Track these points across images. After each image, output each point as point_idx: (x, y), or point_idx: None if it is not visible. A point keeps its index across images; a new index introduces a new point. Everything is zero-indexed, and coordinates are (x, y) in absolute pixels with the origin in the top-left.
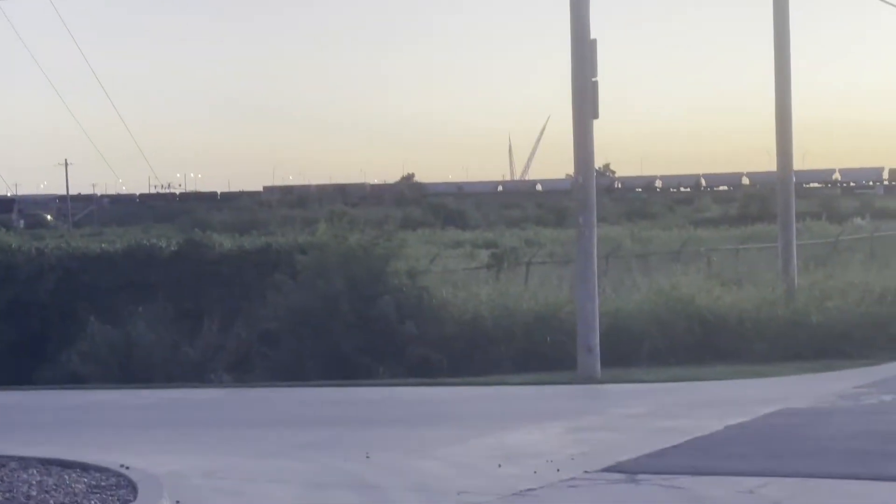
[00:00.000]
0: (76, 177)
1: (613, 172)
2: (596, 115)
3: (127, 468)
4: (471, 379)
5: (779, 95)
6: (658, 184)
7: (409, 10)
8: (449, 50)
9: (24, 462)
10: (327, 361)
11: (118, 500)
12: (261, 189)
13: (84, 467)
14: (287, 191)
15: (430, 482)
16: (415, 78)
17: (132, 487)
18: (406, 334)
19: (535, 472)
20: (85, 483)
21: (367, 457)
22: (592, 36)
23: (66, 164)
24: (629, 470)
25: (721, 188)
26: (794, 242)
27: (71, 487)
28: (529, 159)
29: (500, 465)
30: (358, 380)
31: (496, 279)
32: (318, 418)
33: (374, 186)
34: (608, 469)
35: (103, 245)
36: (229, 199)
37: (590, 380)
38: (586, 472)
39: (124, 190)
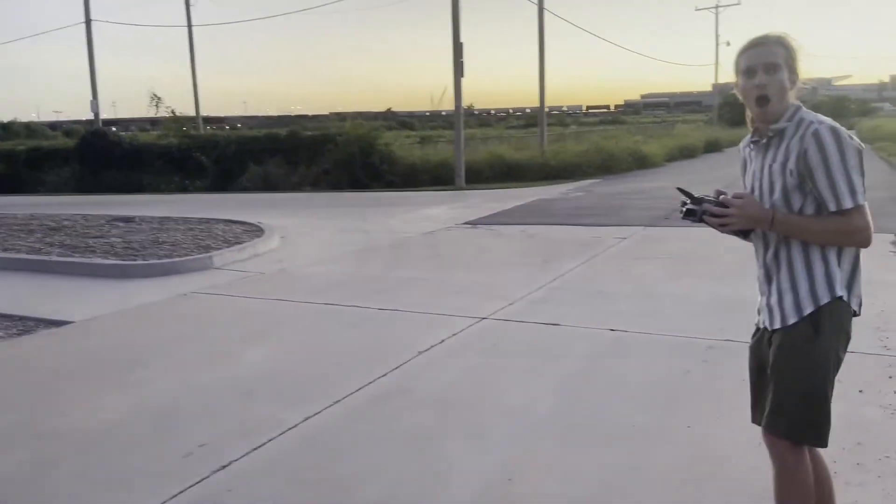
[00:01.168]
0: None
1: (472, 105)
2: (463, 75)
3: (259, 223)
4: (411, 189)
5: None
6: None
7: None
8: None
9: (216, 221)
10: (351, 181)
11: (256, 234)
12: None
13: (241, 223)
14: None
15: (391, 228)
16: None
17: (261, 230)
18: (383, 170)
19: (434, 224)
20: (241, 228)
21: (365, 220)
22: (461, 40)
23: None
24: (473, 223)
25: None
26: (545, 133)
27: (234, 230)
28: (440, 100)
29: (420, 222)
30: (362, 189)
31: (423, 147)
32: (346, 204)
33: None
34: (465, 223)
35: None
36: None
37: (460, 188)
38: (456, 224)
39: None
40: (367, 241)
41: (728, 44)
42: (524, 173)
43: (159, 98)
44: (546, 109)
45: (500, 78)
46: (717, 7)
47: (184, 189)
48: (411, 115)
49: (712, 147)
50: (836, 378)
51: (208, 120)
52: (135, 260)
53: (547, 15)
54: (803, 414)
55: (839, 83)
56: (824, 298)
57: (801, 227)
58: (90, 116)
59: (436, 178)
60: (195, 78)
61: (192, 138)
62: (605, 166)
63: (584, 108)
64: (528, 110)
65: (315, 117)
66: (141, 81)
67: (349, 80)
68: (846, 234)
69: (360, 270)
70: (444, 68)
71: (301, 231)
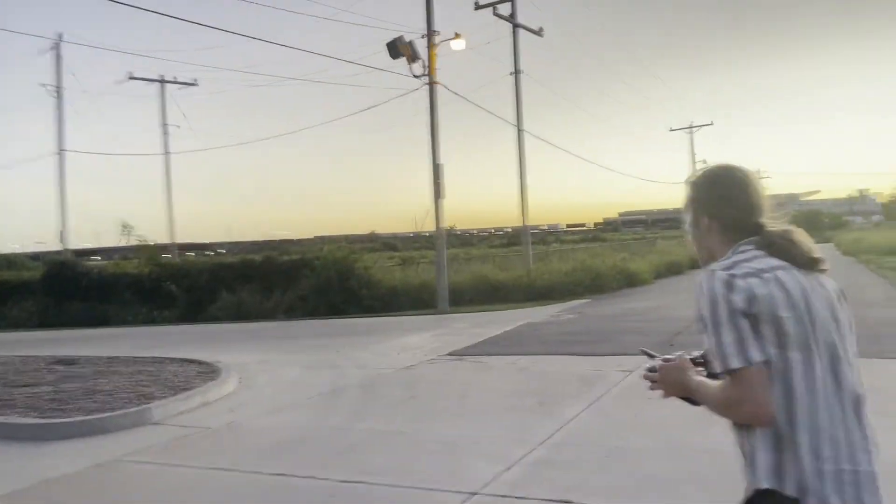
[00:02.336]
0: None
1: (454, 226)
2: (443, 197)
3: (217, 362)
4: (391, 314)
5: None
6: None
7: None
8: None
9: (170, 360)
10: (329, 307)
11: (211, 376)
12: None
13: (197, 362)
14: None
15: (364, 363)
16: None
17: (217, 371)
18: (362, 295)
19: (414, 357)
20: (196, 368)
21: (337, 352)
22: (440, 162)
23: None
24: (458, 354)
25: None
26: (530, 252)
27: (187, 371)
28: (423, 222)
29: (398, 354)
30: (340, 315)
31: (404, 269)
32: (319, 334)
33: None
34: (449, 354)
35: (231, 260)
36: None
37: (443, 312)
38: (438, 355)
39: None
40: (336, 381)
41: (704, 161)
42: (510, 294)
43: (130, 227)
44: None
45: (481, 198)
46: (691, 128)
47: (151, 321)
48: (395, 236)
49: (698, 263)
50: None
51: (192, 246)
52: (57, 416)
53: (526, 135)
54: None
55: (807, 198)
56: (748, 492)
57: (701, 395)
58: (75, 246)
59: (417, 301)
60: (171, 205)
61: (162, 267)
62: (594, 286)
63: (563, 226)
64: (509, 229)
65: (299, 241)
66: (124, 211)
67: (333, 204)
68: (722, 406)
69: (324, 421)
70: (427, 190)
71: (264, 369)
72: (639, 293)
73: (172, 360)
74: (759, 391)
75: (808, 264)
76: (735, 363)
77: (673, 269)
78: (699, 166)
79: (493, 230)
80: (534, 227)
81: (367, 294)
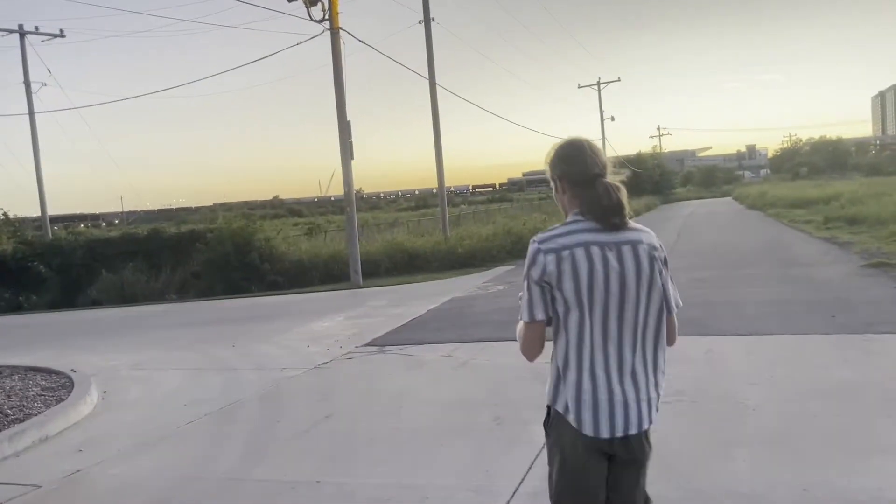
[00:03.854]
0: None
1: (361, 189)
2: (352, 157)
3: (72, 371)
4: (297, 290)
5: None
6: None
7: None
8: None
9: (10, 370)
10: (225, 285)
11: (62, 392)
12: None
13: (48, 372)
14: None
15: (266, 362)
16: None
17: (71, 385)
18: (265, 269)
19: (327, 349)
20: (44, 381)
21: (233, 346)
22: (348, 118)
23: None
24: (380, 343)
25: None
26: (447, 216)
27: (30, 387)
28: (328, 186)
29: (308, 346)
30: (240, 293)
31: (311, 239)
32: (214, 320)
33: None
34: (369, 344)
35: (111, 233)
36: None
37: (357, 286)
38: (356, 346)
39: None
40: (229, 391)
41: (612, 118)
42: (428, 263)
43: None
44: (434, 191)
45: (386, 160)
46: (598, 84)
47: (17, 307)
48: (299, 201)
49: None
50: None
51: (79, 218)
52: None
53: (438, 90)
54: None
55: (702, 154)
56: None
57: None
58: None
59: (327, 274)
60: (39, 172)
61: (28, 244)
62: (515, 250)
63: (470, 187)
64: (416, 192)
65: (198, 209)
66: None
67: (234, 171)
68: (518, 342)
69: (208, 466)
70: (332, 152)
71: (137, 376)
72: None
73: (14, 369)
74: (530, 339)
75: (609, 226)
76: (523, 317)
77: None
78: (607, 122)
79: (399, 193)
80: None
81: (269, 269)
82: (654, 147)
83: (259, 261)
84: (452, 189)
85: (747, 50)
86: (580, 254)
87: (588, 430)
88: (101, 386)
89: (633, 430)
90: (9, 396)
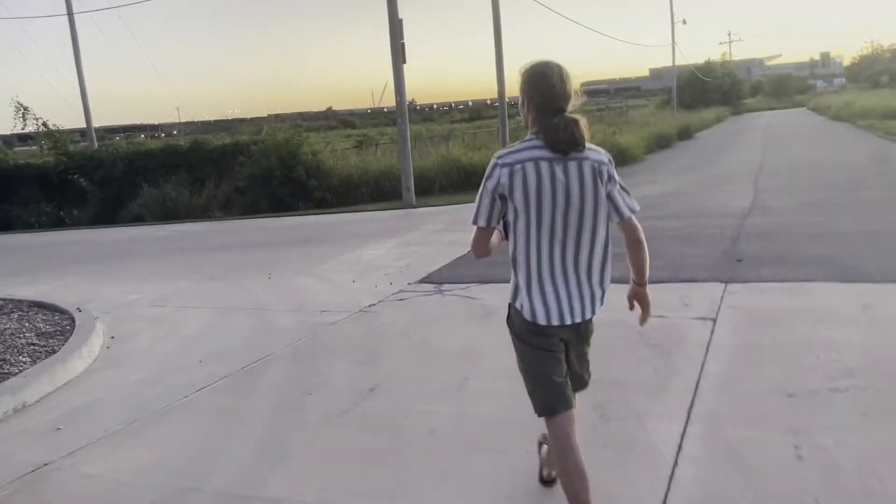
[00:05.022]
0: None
1: (414, 101)
2: (405, 61)
3: (77, 310)
4: (345, 209)
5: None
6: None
7: None
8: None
9: (13, 304)
10: (271, 202)
11: (58, 338)
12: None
13: (51, 308)
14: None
15: (304, 301)
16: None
17: (70, 328)
18: (311, 185)
19: (375, 286)
20: (42, 322)
21: (269, 277)
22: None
23: None
24: (436, 280)
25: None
26: (507, 127)
27: (24, 332)
28: (381, 96)
29: (353, 281)
30: (285, 211)
31: (360, 153)
32: (252, 242)
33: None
34: (423, 280)
35: (151, 145)
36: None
37: (409, 206)
38: (409, 283)
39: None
40: (255, 342)
41: (684, 22)
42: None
43: (25, 108)
44: (489, 101)
45: (438, 71)
46: None
47: (59, 223)
48: (352, 113)
49: (685, 134)
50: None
51: (138, 128)
52: None
53: None
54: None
55: (770, 63)
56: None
57: None
58: None
59: (378, 191)
60: (81, 79)
61: (70, 156)
62: None
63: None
64: (469, 103)
65: (253, 120)
66: (23, 91)
67: (289, 82)
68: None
69: (207, 467)
70: (384, 64)
71: (153, 316)
72: (638, 173)
73: (18, 303)
74: (475, 240)
75: (558, 152)
76: (473, 221)
77: (662, 143)
78: (678, 26)
79: (452, 104)
80: (493, 100)
81: (317, 185)
82: (724, 55)
83: (305, 176)
84: (509, 100)
85: None
86: (530, 167)
87: (540, 320)
88: (110, 329)
89: (577, 319)
90: (3, 340)
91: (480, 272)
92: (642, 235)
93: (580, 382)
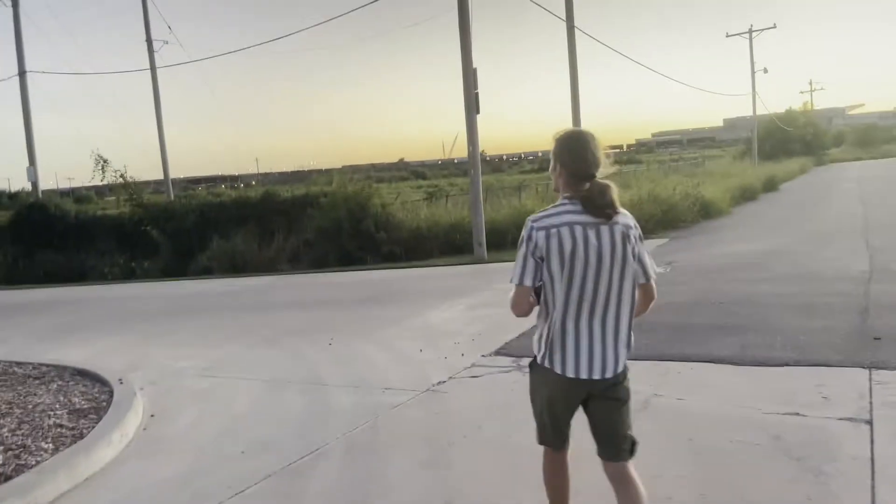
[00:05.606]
0: None
1: (484, 151)
2: (478, 111)
3: (121, 382)
4: (415, 263)
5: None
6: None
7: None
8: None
9: (57, 371)
10: (339, 255)
11: (91, 418)
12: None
13: (94, 377)
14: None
15: (366, 374)
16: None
17: (105, 405)
18: (380, 239)
19: (445, 358)
20: (77, 399)
21: (330, 343)
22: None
23: None
24: (515, 353)
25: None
26: None
27: (56, 409)
28: (452, 147)
29: (421, 350)
30: (354, 265)
31: (430, 205)
32: (316, 300)
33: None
34: (499, 352)
35: (221, 197)
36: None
37: (481, 261)
38: (483, 355)
39: None
40: (306, 429)
41: (765, 70)
42: None
43: (105, 160)
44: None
45: (507, 122)
46: (750, 31)
47: (130, 274)
48: (423, 164)
49: (770, 185)
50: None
51: (219, 179)
52: None
53: (557, 46)
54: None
55: (853, 112)
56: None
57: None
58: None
59: (448, 244)
60: (161, 132)
61: (144, 207)
62: (665, 219)
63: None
64: (539, 154)
65: (328, 171)
66: (109, 144)
67: (363, 134)
68: (510, 303)
69: None
70: (455, 115)
71: (200, 390)
72: (726, 228)
73: (61, 370)
74: (518, 299)
75: (602, 217)
76: (513, 280)
77: (746, 195)
78: (759, 74)
79: (522, 155)
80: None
81: (385, 238)
82: (805, 103)
83: (374, 229)
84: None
85: None
86: (566, 231)
87: (570, 372)
88: (152, 403)
89: (605, 375)
90: (20, 425)
91: None
92: (655, 296)
93: (614, 449)
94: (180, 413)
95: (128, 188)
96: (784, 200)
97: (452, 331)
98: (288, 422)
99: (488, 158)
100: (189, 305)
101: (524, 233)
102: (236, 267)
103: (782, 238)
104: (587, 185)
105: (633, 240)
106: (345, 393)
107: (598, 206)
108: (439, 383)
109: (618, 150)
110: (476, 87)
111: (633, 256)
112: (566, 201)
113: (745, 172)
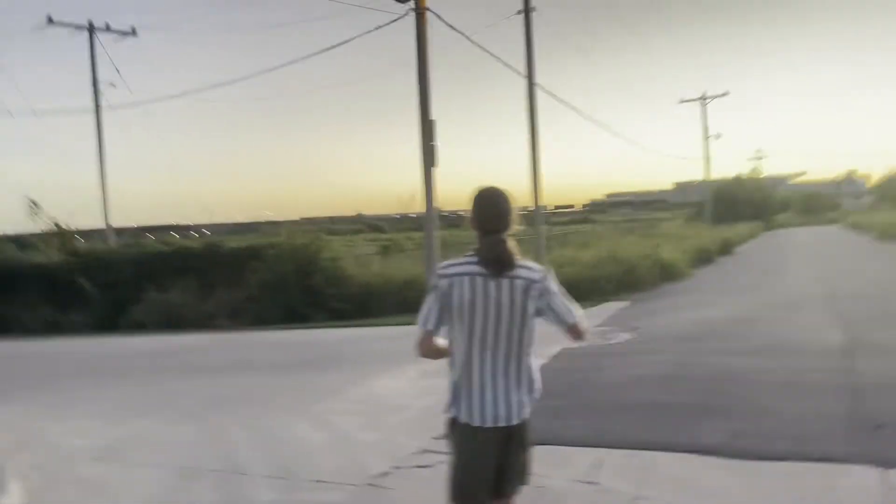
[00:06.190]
0: None
1: (438, 207)
2: (435, 164)
3: None
4: (365, 321)
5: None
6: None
7: None
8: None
9: None
10: (282, 312)
11: None
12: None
13: None
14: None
15: (294, 460)
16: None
17: None
18: (329, 294)
19: (390, 439)
20: None
21: (259, 419)
22: (432, 117)
23: None
24: None
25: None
26: (543, 240)
27: None
28: (411, 201)
29: (361, 428)
30: (298, 322)
31: (384, 259)
32: (251, 363)
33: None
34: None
35: (159, 247)
36: None
37: None
38: (433, 437)
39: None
40: None
41: (718, 136)
42: None
43: (38, 206)
44: (521, 211)
45: (466, 178)
46: (703, 98)
47: (54, 327)
48: (382, 218)
49: (725, 249)
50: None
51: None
52: None
53: (516, 107)
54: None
55: (795, 180)
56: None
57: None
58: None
59: (402, 301)
60: (104, 176)
61: (78, 256)
62: (625, 281)
63: (551, 207)
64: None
65: (284, 224)
66: (53, 191)
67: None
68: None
69: None
70: (413, 169)
71: (90, 478)
72: (688, 291)
73: None
74: (422, 343)
75: (491, 269)
76: (419, 325)
77: (703, 257)
78: (712, 139)
79: None
80: (520, 209)
81: (335, 294)
82: (753, 169)
83: (324, 284)
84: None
85: (847, 67)
86: (466, 281)
87: (475, 421)
88: (30, 495)
89: (510, 422)
90: None
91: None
92: (583, 332)
93: (506, 485)
94: None
95: (62, 235)
96: (740, 264)
97: (399, 405)
98: None
99: (445, 213)
100: (110, 367)
101: (433, 279)
102: (172, 322)
103: (749, 304)
104: (491, 240)
105: (535, 292)
106: (267, 487)
107: (487, 260)
108: (381, 475)
109: (572, 210)
110: (433, 139)
111: (534, 310)
112: (471, 253)
113: (700, 235)
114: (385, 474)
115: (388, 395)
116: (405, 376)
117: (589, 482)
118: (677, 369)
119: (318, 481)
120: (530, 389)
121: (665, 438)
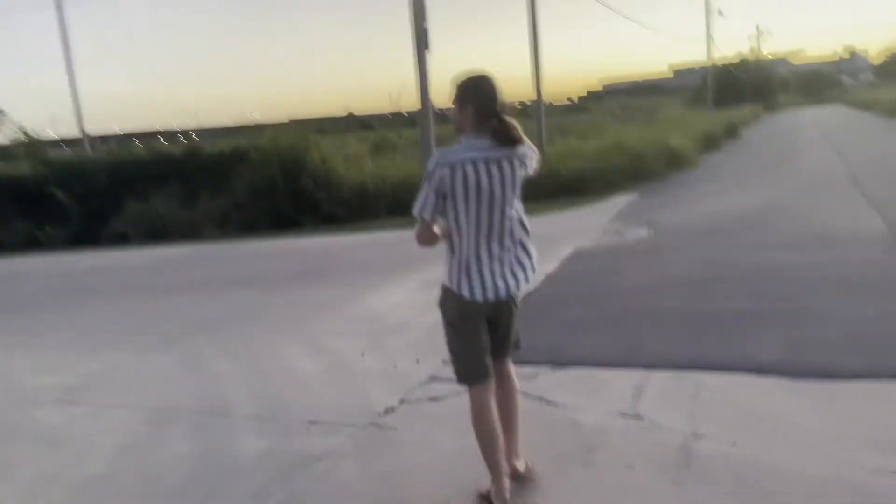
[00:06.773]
0: None
1: (432, 104)
2: (428, 48)
3: None
4: (359, 224)
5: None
6: None
7: None
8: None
9: None
10: (272, 219)
11: None
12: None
13: None
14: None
15: (286, 396)
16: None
17: None
18: (319, 198)
19: (395, 367)
20: None
21: (245, 346)
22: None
23: None
24: None
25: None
26: (544, 131)
27: None
28: (399, 97)
29: (362, 354)
30: (289, 229)
31: (378, 157)
32: (237, 277)
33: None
34: None
35: (137, 153)
36: None
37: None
38: (444, 361)
39: None
40: (188, 498)
41: (720, 13)
42: (524, 189)
43: (2, 112)
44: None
45: (449, 70)
46: None
47: (33, 242)
48: (372, 117)
49: (732, 132)
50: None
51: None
52: None
53: None
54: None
55: (794, 60)
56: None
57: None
58: None
59: (397, 203)
60: (72, 78)
61: (49, 166)
62: (634, 171)
63: (547, 100)
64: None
65: (273, 126)
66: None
67: (309, 85)
68: (415, 234)
69: None
70: (407, 65)
71: (54, 426)
72: (701, 180)
73: None
74: (421, 231)
75: (509, 142)
76: (416, 214)
77: (710, 143)
78: (716, 16)
79: None
80: (522, 101)
81: (325, 197)
82: (753, 49)
83: (313, 187)
84: (528, 103)
85: None
86: (469, 167)
87: (477, 296)
88: None
89: (501, 297)
90: None
91: (540, 342)
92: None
93: (507, 347)
94: (9, 470)
95: (31, 144)
96: (750, 148)
97: (403, 322)
98: (163, 487)
99: (439, 111)
100: (87, 286)
101: (429, 167)
102: (156, 232)
103: (769, 191)
104: (496, 121)
105: (526, 162)
106: (253, 431)
107: (506, 139)
108: (386, 412)
109: (568, 102)
110: (425, 20)
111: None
112: (471, 138)
113: (701, 120)
114: (390, 410)
115: (388, 311)
116: (405, 288)
117: (632, 415)
118: (710, 269)
119: (312, 422)
120: (528, 265)
121: (712, 355)
